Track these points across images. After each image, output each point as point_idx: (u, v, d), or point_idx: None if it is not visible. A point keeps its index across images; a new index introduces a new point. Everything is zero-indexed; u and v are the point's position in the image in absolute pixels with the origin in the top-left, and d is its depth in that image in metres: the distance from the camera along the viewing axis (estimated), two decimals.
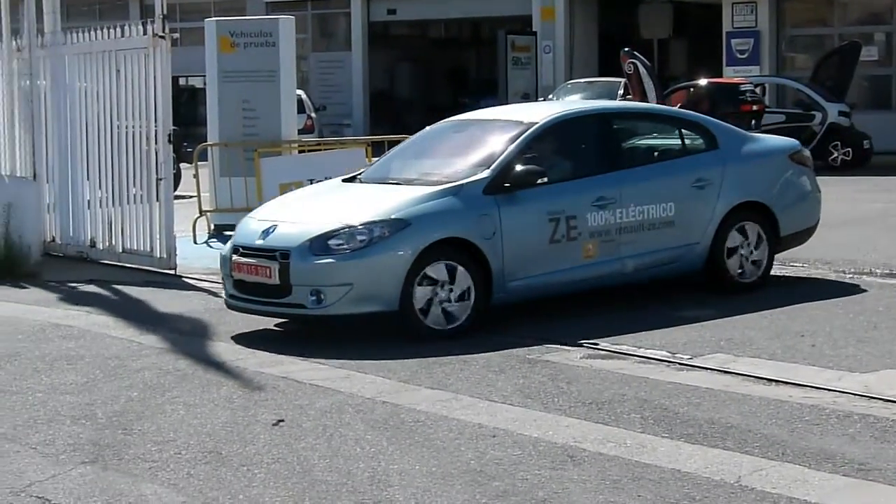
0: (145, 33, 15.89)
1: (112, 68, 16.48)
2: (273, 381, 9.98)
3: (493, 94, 36.60)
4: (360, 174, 13.13)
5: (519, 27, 38.52)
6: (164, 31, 15.61)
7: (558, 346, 10.95)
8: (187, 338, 11.78)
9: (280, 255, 11.40)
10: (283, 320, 12.06)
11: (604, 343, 10.98)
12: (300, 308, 11.40)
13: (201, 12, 35.32)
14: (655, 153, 13.38)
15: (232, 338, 11.67)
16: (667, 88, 29.00)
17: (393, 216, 11.42)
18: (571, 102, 15.44)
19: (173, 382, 10.05)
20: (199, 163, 19.49)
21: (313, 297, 11.26)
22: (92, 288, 14.85)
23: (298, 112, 21.85)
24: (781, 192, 13.47)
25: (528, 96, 35.94)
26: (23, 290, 15.14)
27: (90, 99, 16.97)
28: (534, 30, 38.20)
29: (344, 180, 13.11)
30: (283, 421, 8.83)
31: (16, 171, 17.86)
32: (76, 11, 37.62)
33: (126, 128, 16.46)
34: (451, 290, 11.39)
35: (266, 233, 11.72)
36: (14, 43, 18.02)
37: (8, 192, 16.90)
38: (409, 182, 12.29)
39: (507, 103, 35.52)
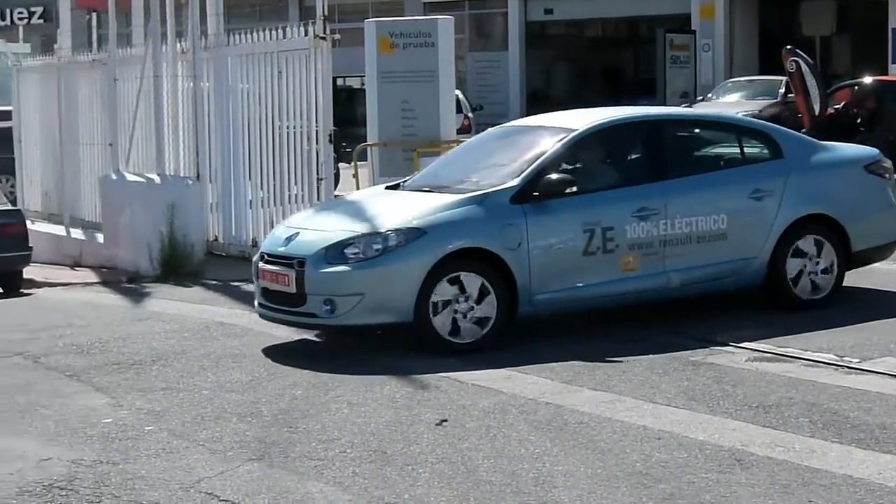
0: (306, 34, 16.04)
1: (274, 69, 16.67)
2: (435, 381, 9.98)
3: (650, 93, 36.33)
4: (404, 181, 12.90)
5: (677, 25, 38.19)
6: (324, 33, 15.74)
7: (721, 348, 10.80)
8: (348, 337, 11.82)
9: (297, 263, 11.20)
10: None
11: (768, 345, 10.80)
12: (314, 317, 11.18)
13: (359, 13, 35.61)
14: (708, 162, 12.81)
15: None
16: (830, 87, 28.48)
17: (409, 225, 11.13)
18: (622, 109, 14.82)
19: (336, 381, 10.10)
20: (358, 163, 19.61)
21: (327, 307, 11.01)
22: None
23: (456, 112, 21.87)
24: (853, 205, 12.59)
25: (687, 95, 35.61)
26: (187, 288, 15.39)
27: (252, 100, 17.19)
28: (693, 28, 37.83)
29: (387, 187, 12.92)
30: (446, 421, 8.83)
31: (179, 171, 18.15)
32: (237, 13, 38.19)
33: (287, 128, 16.65)
34: (470, 303, 11.04)
35: (288, 240, 11.57)
36: (178, 45, 18.32)
37: (172, 193, 17.19)
38: (443, 190, 11.87)
39: (665, 103, 35.33)
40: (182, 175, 17.96)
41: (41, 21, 50.73)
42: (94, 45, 23.10)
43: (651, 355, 10.55)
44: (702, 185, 12.11)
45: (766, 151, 12.65)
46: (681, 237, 11.83)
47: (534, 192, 11.42)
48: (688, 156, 12.85)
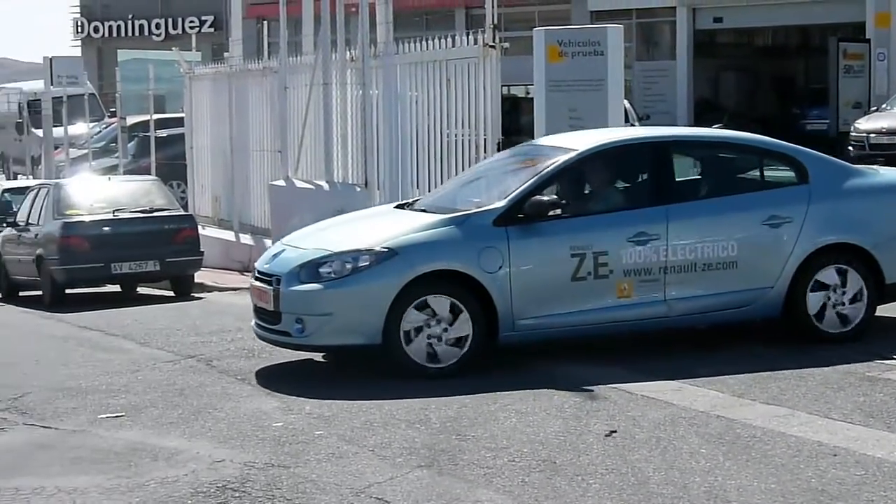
0: (475, 43, 16.07)
1: (442, 77, 16.73)
2: (604, 392, 9.90)
3: (822, 103, 35.69)
4: (416, 200, 12.65)
5: (851, 34, 37.46)
6: (494, 41, 15.76)
7: None
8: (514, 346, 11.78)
9: (275, 281, 11.11)
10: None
11: None
12: (287, 336, 11.03)
13: (525, 21, 35.58)
14: (719, 186, 12.16)
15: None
16: None
17: (381, 245, 10.90)
18: (639, 130, 14.38)
19: (504, 390, 10.06)
20: None
21: (298, 325, 10.87)
22: None
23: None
24: (888, 234, 11.69)
25: (860, 105, 34.92)
26: None
27: (420, 108, 17.26)
28: (867, 37, 37.10)
29: (396, 206, 12.64)
30: (615, 432, 8.74)
31: (348, 178, 18.31)
32: (404, 22, 38.30)
33: (454, 136, 16.69)
34: (444, 327, 10.75)
35: (274, 257, 11.50)
36: (348, 53, 18.48)
37: (340, 200, 17.31)
38: (446, 210, 11.45)
39: (837, 113, 34.64)
40: (350, 182, 18.10)
41: (212, 30, 51.67)
42: (265, 53, 23.44)
43: (824, 368, 10.35)
44: (709, 211, 11.51)
45: (789, 175, 11.90)
46: (684, 264, 11.23)
47: (519, 213, 11.04)
48: (696, 179, 12.26)
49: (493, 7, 15.88)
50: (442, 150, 16.84)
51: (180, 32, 52.27)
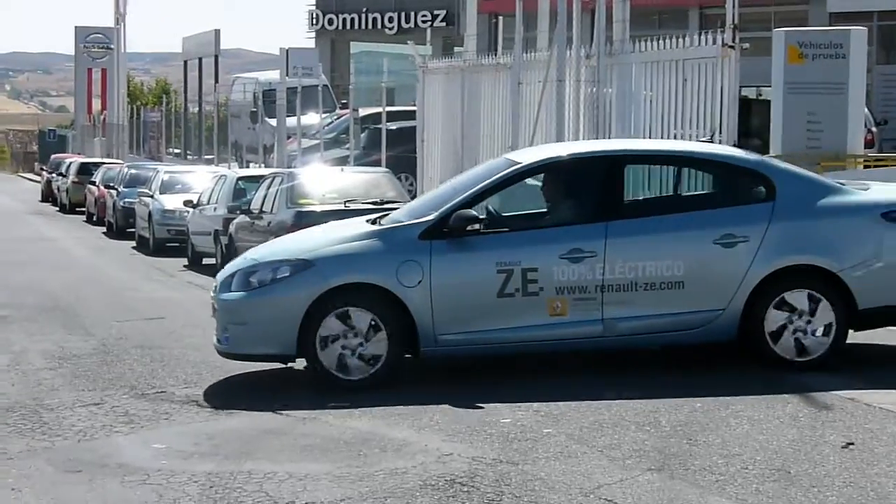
0: (714, 42, 15.83)
1: (679, 77, 16.53)
2: (839, 402, 9.64)
3: None
4: (385, 215, 12.08)
5: None
6: (733, 41, 15.50)
7: None
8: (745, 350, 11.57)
9: (214, 288, 11.38)
10: None
11: None
12: (218, 343, 11.18)
13: (761, 22, 35.01)
14: (669, 203, 11.67)
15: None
16: None
17: (299, 256, 10.90)
18: (602, 143, 13.78)
19: (736, 396, 9.89)
20: None
21: (225, 334, 11.01)
22: None
23: None
24: (861, 257, 10.91)
25: None
26: None
27: (653, 107, 17.08)
28: None
29: (367, 220, 11.92)
30: (852, 444, 8.49)
31: None
32: (637, 20, 38.06)
33: (687, 137, 16.47)
34: (360, 342, 10.63)
35: (229, 265, 11.66)
36: (583, 51, 18.39)
37: None
38: (399, 223, 11.26)
39: None
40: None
41: (443, 24, 52.07)
42: (498, 48, 23.48)
43: None
44: (654, 228, 10.98)
45: (755, 192, 11.21)
46: (623, 283, 10.76)
47: (444, 228, 10.83)
48: (644, 195, 11.64)
49: (733, 7, 15.60)
50: None
51: (412, 26, 52.79)
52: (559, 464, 8.18)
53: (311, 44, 54.94)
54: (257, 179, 22.60)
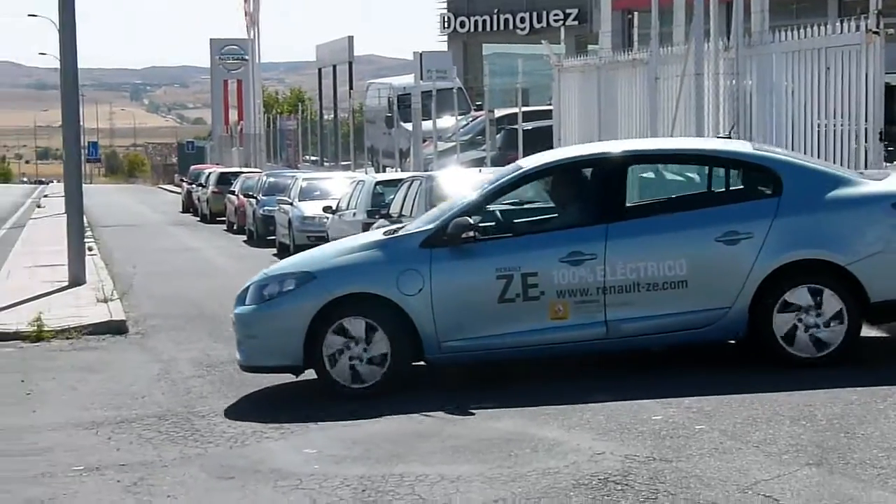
0: (857, 29, 15.50)
1: (821, 66, 16.20)
2: None
3: None
4: (404, 225, 12.22)
5: None
6: (877, 27, 15.15)
7: None
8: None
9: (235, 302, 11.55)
10: None
11: None
12: (238, 357, 11.34)
13: None
14: (671, 203, 11.46)
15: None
16: None
17: (302, 269, 11.07)
18: (601, 145, 13.55)
19: (890, 385, 9.67)
20: None
21: (241, 347, 11.20)
22: None
23: None
24: (870, 249, 10.67)
25: None
26: None
27: (795, 97, 16.79)
28: None
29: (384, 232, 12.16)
30: None
31: None
32: (774, 10, 37.62)
33: (831, 127, 16.16)
34: (364, 347, 10.71)
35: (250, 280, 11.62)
36: (720, 43, 18.16)
37: None
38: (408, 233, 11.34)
39: None
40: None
41: (575, 23, 51.83)
42: (634, 44, 23.30)
43: None
44: (655, 228, 10.86)
45: (760, 188, 11.07)
46: (625, 284, 10.68)
47: (444, 236, 10.86)
48: (644, 196, 11.35)
49: None
50: (818, 141, 16.32)
51: (544, 26, 52.60)
52: (714, 460, 8.05)
53: (444, 47, 55.05)
54: (395, 184, 22.64)
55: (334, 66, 50.97)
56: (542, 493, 7.62)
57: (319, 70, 55.69)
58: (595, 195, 11.27)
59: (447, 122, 32.81)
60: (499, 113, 31.32)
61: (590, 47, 31.84)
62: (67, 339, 15.59)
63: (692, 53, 18.24)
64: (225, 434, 9.82)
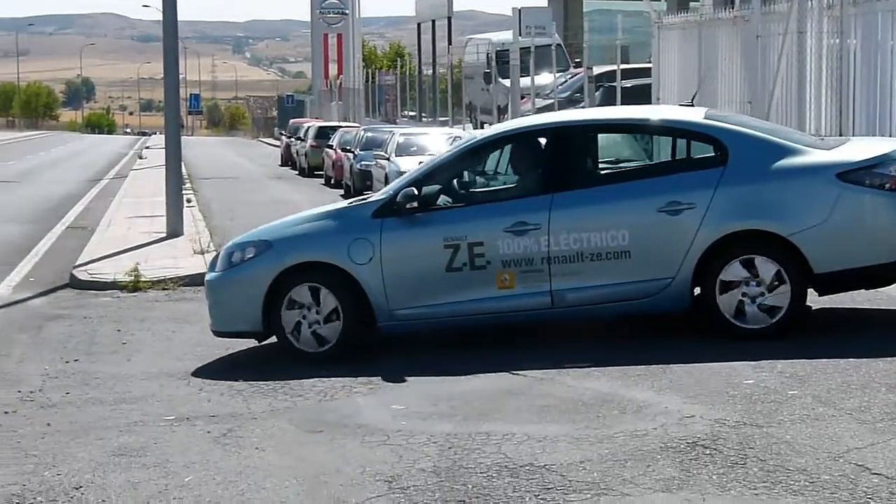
0: None
1: None
2: None
3: None
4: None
5: None
6: None
7: None
8: None
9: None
10: None
11: None
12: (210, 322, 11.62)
13: None
14: (614, 173, 11.34)
15: None
16: None
17: (262, 237, 11.34)
18: (551, 115, 13.34)
19: None
20: None
21: (211, 312, 11.51)
22: None
23: None
24: (814, 220, 10.40)
25: None
26: None
27: None
28: None
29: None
30: None
31: (820, 130, 17.73)
32: None
33: None
34: (316, 311, 10.95)
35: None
36: (825, 1, 17.86)
37: None
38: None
39: None
40: (823, 135, 17.51)
41: None
42: (736, 1, 22.97)
43: None
44: (598, 199, 10.80)
45: (707, 157, 10.84)
46: (569, 254, 10.70)
47: (393, 206, 10.99)
48: (587, 166, 11.16)
49: None
50: None
51: None
52: (805, 426, 7.93)
53: (544, 3, 54.73)
54: None
55: (433, 21, 50.83)
56: (629, 455, 7.55)
57: (419, 25, 55.59)
58: (543, 165, 11.24)
59: (545, 78, 32.66)
60: (598, 70, 31.06)
61: (691, 4, 31.41)
62: (163, 289, 15.76)
63: (795, 11, 17.97)
64: (314, 388, 9.85)
